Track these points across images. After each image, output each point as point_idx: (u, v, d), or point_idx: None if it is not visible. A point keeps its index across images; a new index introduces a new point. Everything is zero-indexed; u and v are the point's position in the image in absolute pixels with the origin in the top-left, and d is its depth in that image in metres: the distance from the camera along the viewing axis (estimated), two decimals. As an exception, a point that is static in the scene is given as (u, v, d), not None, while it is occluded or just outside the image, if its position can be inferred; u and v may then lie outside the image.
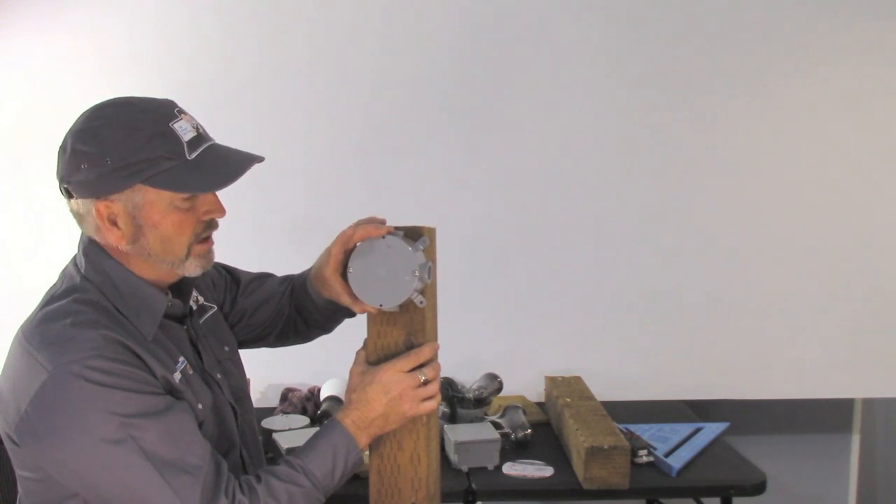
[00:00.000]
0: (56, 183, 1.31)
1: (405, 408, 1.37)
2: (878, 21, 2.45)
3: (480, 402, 2.23)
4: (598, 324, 2.53)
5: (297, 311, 1.64)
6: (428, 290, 1.40)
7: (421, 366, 1.39)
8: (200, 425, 1.34)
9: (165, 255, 1.31)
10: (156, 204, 1.28)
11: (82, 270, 1.33)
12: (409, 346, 1.41)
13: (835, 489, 2.89)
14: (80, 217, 1.32)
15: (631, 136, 2.49)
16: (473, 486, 1.94)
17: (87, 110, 1.31)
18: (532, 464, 2.04)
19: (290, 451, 1.93)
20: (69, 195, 1.30)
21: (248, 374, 2.42)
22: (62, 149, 1.29)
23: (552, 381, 2.38)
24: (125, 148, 1.25)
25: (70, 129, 1.30)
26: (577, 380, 2.39)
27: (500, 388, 2.27)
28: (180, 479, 1.22)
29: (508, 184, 2.49)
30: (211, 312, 1.52)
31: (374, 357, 1.42)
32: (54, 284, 1.36)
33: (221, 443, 1.40)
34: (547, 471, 2.01)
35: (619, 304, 2.53)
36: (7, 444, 1.30)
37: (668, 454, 2.07)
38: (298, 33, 2.41)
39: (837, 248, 2.52)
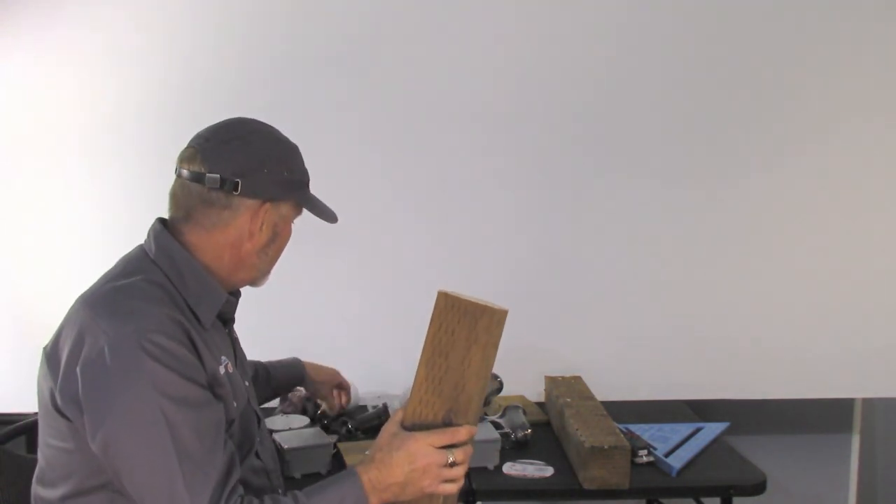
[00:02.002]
0: (189, 165, 1.37)
1: (425, 483, 1.34)
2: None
3: (480, 402, 2.22)
4: (598, 324, 2.53)
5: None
6: (480, 374, 1.35)
7: (454, 446, 1.36)
8: (232, 422, 1.39)
9: (269, 266, 1.46)
10: (288, 220, 1.46)
11: (151, 255, 1.38)
12: (447, 424, 1.36)
13: (835, 489, 2.89)
14: (212, 208, 1.36)
15: (633, 135, 2.48)
16: (473, 486, 1.94)
17: (250, 121, 1.44)
18: (532, 464, 2.04)
19: (292, 451, 1.93)
20: (224, 186, 1.34)
21: (248, 374, 2.39)
22: (242, 146, 1.37)
23: (552, 381, 2.38)
24: (298, 165, 1.45)
25: (243, 132, 1.39)
26: (577, 380, 2.39)
27: (500, 388, 2.27)
28: (195, 475, 1.24)
29: (506, 184, 2.49)
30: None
31: (409, 422, 1.38)
32: (117, 267, 1.40)
33: (244, 445, 1.44)
34: (547, 471, 2.01)
35: (619, 304, 2.53)
36: (44, 412, 1.34)
37: (668, 454, 2.07)
38: (300, 33, 2.41)
39: (837, 248, 2.51)
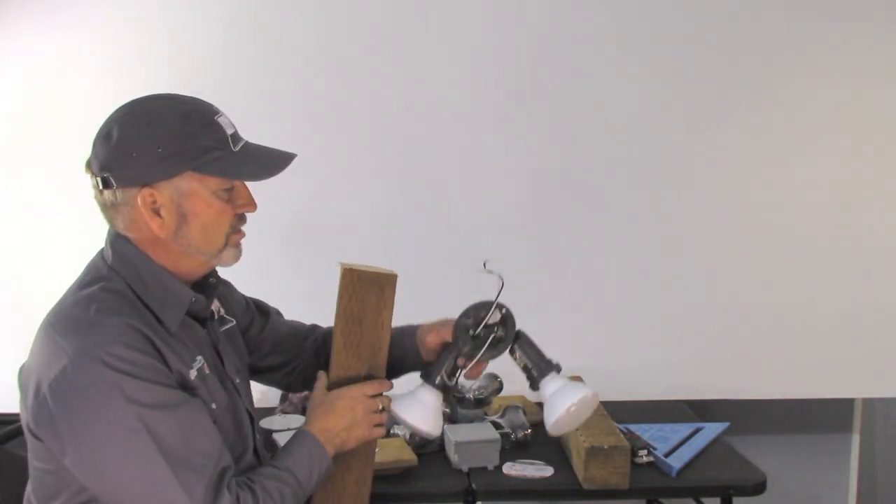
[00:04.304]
0: (87, 173, 1.32)
1: (362, 429, 1.47)
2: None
3: (480, 402, 2.23)
4: (598, 324, 2.53)
5: (317, 357, 1.69)
6: (389, 332, 1.53)
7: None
8: (214, 423, 1.36)
9: (205, 245, 1.34)
10: (200, 193, 1.31)
11: (109, 262, 1.34)
12: None
13: (835, 489, 2.89)
14: (114, 209, 1.32)
15: (635, 136, 2.48)
16: (473, 486, 1.95)
17: (130, 102, 1.34)
18: (532, 464, 2.04)
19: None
20: (106, 184, 1.30)
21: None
22: (104, 137, 1.30)
23: (552, 381, 2.37)
24: (178, 135, 1.29)
25: (113, 119, 1.32)
26: (577, 380, 2.39)
27: (500, 388, 2.27)
28: (188, 474, 1.24)
29: (506, 183, 2.49)
30: (230, 325, 1.54)
31: (335, 385, 1.51)
32: (80, 276, 1.37)
33: (237, 445, 1.43)
34: (547, 471, 2.01)
35: (619, 304, 2.53)
36: (25, 433, 1.32)
37: (668, 454, 2.07)
38: (301, 31, 2.41)
39: (837, 248, 2.51)
